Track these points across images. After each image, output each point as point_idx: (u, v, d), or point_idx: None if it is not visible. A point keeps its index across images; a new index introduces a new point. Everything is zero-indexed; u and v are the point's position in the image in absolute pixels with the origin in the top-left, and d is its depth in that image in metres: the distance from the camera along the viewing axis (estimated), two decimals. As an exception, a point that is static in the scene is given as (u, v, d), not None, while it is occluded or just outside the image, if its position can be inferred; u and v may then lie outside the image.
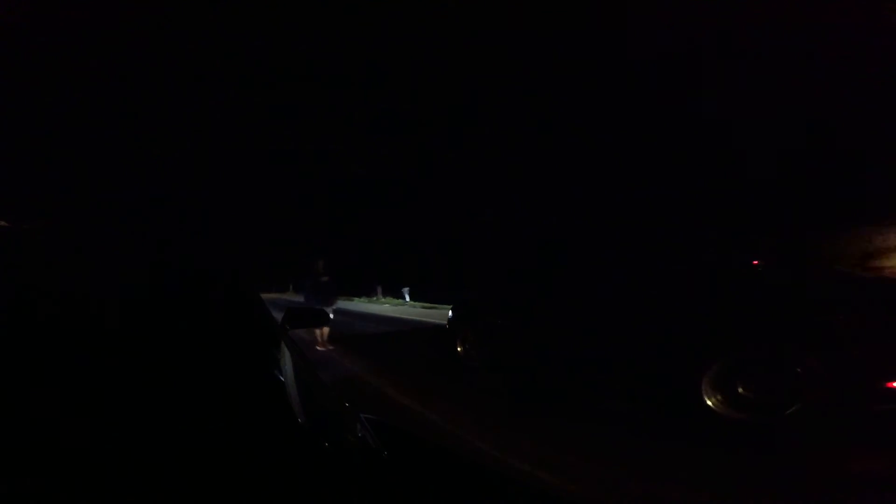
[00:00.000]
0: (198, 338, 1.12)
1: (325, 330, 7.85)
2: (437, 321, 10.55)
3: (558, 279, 5.11)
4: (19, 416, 0.82)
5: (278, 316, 1.95)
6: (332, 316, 7.67)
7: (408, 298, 21.39)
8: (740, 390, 3.23)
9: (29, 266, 1.18)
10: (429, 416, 3.81)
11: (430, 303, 18.25)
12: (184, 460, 0.80)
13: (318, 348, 7.67)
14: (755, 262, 3.75)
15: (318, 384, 1.31)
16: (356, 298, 24.39)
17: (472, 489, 1.08)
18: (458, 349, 5.79)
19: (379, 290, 24.81)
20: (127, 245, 1.43)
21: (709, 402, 3.29)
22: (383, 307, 18.52)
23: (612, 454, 2.92)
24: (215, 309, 1.28)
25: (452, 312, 6.11)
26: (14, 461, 0.73)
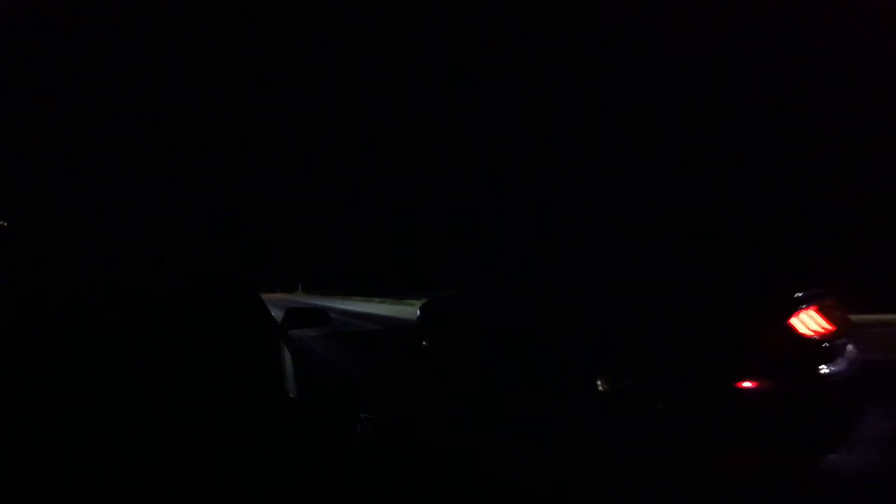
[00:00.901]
0: (195, 336, 1.12)
1: None
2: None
3: (487, 283, 5.69)
4: (20, 415, 0.82)
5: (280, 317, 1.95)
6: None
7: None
8: (626, 382, 3.74)
9: (28, 266, 1.18)
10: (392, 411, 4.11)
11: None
12: (181, 455, 0.80)
13: None
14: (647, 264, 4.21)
15: (318, 384, 1.31)
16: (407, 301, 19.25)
17: (468, 489, 1.08)
18: (423, 343, 6.24)
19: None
20: (126, 245, 1.43)
21: (601, 389, 3.84)
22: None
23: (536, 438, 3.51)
24: (213, 308, 1.28)
25: (419, 311, 6.59)
26: (14, 461, 0.74)
